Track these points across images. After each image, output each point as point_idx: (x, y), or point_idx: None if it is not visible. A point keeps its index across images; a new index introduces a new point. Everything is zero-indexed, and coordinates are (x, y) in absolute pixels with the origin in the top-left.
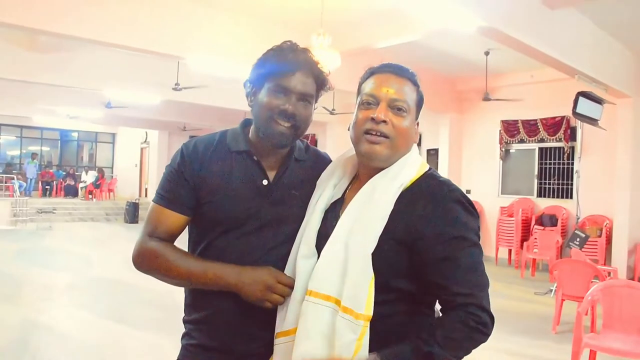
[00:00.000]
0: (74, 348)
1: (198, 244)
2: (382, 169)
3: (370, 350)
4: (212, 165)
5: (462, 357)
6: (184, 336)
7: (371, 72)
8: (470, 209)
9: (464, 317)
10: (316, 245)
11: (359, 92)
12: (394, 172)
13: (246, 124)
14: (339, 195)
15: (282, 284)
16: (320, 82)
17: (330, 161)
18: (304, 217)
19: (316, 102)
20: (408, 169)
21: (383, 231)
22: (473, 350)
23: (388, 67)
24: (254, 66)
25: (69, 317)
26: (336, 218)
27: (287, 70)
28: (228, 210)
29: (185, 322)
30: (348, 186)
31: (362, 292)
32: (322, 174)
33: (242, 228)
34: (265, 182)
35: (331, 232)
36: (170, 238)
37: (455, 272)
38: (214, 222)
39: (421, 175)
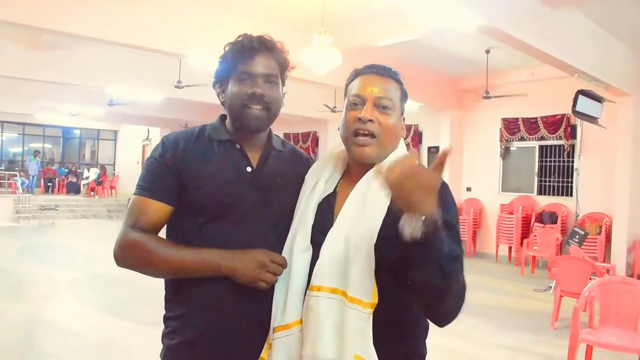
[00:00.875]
0: (78, 344)
1: (182, 233)
2: (372, 165)
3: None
4: (195, 153)
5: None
6: (166, 335)
7: (356, 74)
8: (454, 199)
9: None
10: (311, 239)
11: (345, 94)
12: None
13: (223, 118)
14: (331, 190)
15: (276, 262)
16: (282, 63)
17: (307, 157)
18: (287, 204)
19: (283, 84)
20: None
21: (382, 222)
22: (470, 344)
23: (372, 68)
24: (217, 67)
25: (73, 314)
26: (331, 212)
27: (247, 57)
28: (215, 197)
29: (167, 318)
30: (339, 181)
31: (367, 282)
32: (312, 167)
33: (228, 215)
34: (249, 168)
35: (328, 226)
36: (153, 230)
37: None
38: (200, 210)
39: None
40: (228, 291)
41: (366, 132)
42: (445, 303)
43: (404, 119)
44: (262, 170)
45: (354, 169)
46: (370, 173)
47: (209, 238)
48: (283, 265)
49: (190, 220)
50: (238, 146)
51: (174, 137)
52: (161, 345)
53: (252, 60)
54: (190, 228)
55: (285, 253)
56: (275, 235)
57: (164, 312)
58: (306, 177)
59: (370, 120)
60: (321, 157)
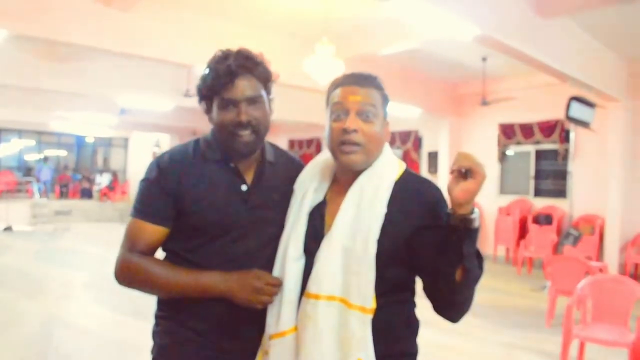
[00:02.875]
0: (95, 342)
1: (179, 254)
2: (360, 172)
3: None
4: (191, 175)
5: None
6: (157, 334)
7: (336, 85)
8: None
9: None
10: (304, 248)
11: (327, 103)
12: (378, 173)
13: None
14: (321, 199)
15: (270, 284)
16: (264, 77)
17: (300, 163)
18: (283, 218)
19: (269, 94)
20: (390, 168)
21: (381, 228)
22: (468, 341)
23: (351, 78)
24: (198, 85)
25: (88, 313)
26: (322, 220)
27: (227, 82)
28: (213, 218)
29: (160, 317)
30: (328, 189)
31: (369, 289)
32: (299, 177)
33: (226, 235)
34: (244, 187)
35: (320, 234)
36: (150, 251)
37: None
38: (198, 231)
39: (402, 173)
40: (223, 302)
41: (352, 142)
42: (473, 292)
43: (387, 122)
44: (257, 188)
45: (342, 177)
46: (362, 179)
47: (206, 257)
48: (277, 285)
49: (187, 240)
50: (232, 165)
51: (168, 158)
52: None
53: (232, 85)
54: (187, 247)
55: (277, 262)
56: (272, 250)
57: (156, 309)
58: (294, 187)
59: (355, 131)
60: (307, 165)
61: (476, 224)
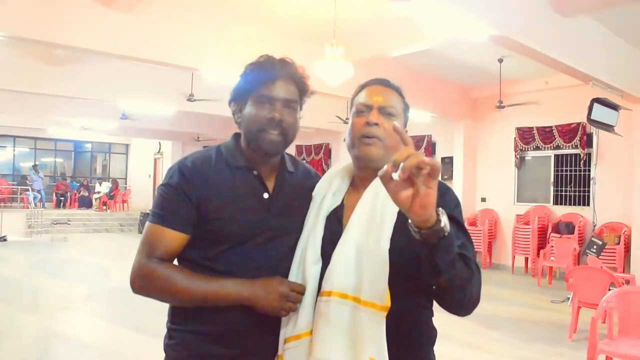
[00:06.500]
0: (94, 356)
1: (199, 263)
2: (377, 171)
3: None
4: (215, 182)
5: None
6: (171, 346)
7: (362, 87)
8: (458, 200)
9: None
10: (321, 251)
11: (352, 104)
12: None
13: (237, 137)
14: (339, 202)
15: (295, 291)
16: (302, 88)
17: (317, 173)
18: (303, 226)
19: (301, 109)
20: None
21: (393, 228)
22: (487, 356)
23: (376, 81)
24: (236, 85)
25: (88, 327)
26: (340, 223)
27: (268, 79)
28: (236, 226)
29: (173, 330)
30: (346, 192)
31: (381, 286)
32: (318, 184)
33: (248, 242)
34: (266, 195)
35: (336, 237)
36: (169, 258)
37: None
38: (219, 239)
39: None
40: (243, 310)
41: (372, 135)
42: (470, 288)
43: (406, 130)
44: (279, 196)
45: (359, 179)
46: (376, 182)
47: (228, 265)
48: (302, 292)
49: (208, 248)
50: (255, 172)
51: (191, 164)
52: None
53: (273, 83)
54: (208, 255)
55: (295, 266)
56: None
57: (169, 322)
58: (313, 193)
59: (376, 124)
60: (326, 173)
61: (446, 229)
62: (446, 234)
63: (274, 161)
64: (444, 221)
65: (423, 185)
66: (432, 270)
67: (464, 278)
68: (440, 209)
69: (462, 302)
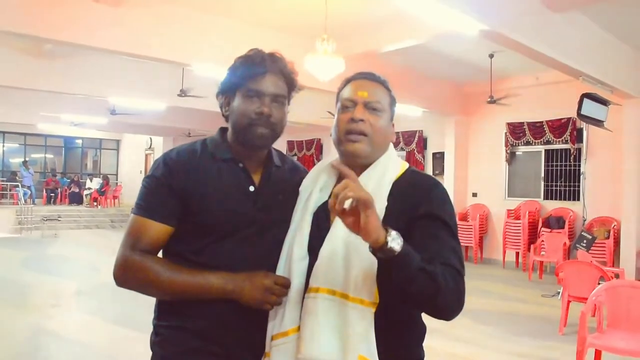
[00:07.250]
0: (84, 354)
1: (184, 256)
2: (364, 167)
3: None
4: (200, 173)
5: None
6: (158, 343)
7: (347, 81)
8: (449, 199)
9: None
10: (308, 247)
11: (337, 99)
12: (381, 169)
13: (223, 131)
14: (326, 198)
15: (280, 285)
16: (291, 83)
17: (304, 169)
18: (289, 220)
19: (289, 103)
20: (393, 165)
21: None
22: (477, 350)
23: (361, 75)
24: (224, 78)
25: (78, 323)
26: (327, 219)
27: (257, 74)
28: (221, 218)
29: (160, 327)
30: (332, 188)
31: (369, 282)
32: (305, 179)
33: (233, 236)
34: (252, 188)
35: (324, 233)
36: (153, 250)
37: (441, 250)
38: (205, 231)
39: (405, 171)
40: (229, 304)
41: (358, 132)
42: (440, 299)
43: (393, 124)
44: (264, 189)
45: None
46: (363, 176)
47: (214, 258)
48: (287, 286)
49: (193, 241)
50: (241, 165)
51: (176, 156)
52: None
53: (262, 78)
54: (193, 248)
55: (282, 262)
56: (280, 252)
57: (155, 318)
58: (300, 189)
59: (362, 120)
60: (313, 169)
61: (395, 250)
62: (396, 253)
63: (260, 155)
64: (392, 244)
65: (362, 213)
66: (387, 284)
67: (425, 293)
68: (394, 232)
69: (434, 312)
